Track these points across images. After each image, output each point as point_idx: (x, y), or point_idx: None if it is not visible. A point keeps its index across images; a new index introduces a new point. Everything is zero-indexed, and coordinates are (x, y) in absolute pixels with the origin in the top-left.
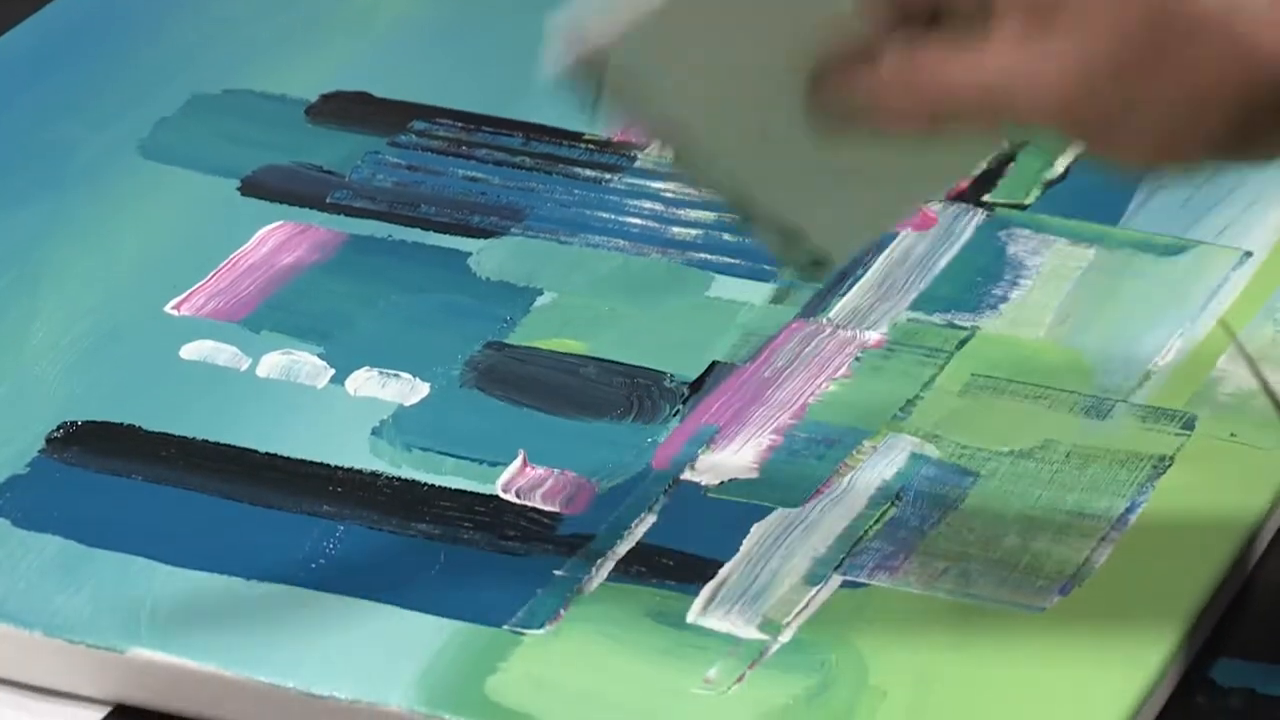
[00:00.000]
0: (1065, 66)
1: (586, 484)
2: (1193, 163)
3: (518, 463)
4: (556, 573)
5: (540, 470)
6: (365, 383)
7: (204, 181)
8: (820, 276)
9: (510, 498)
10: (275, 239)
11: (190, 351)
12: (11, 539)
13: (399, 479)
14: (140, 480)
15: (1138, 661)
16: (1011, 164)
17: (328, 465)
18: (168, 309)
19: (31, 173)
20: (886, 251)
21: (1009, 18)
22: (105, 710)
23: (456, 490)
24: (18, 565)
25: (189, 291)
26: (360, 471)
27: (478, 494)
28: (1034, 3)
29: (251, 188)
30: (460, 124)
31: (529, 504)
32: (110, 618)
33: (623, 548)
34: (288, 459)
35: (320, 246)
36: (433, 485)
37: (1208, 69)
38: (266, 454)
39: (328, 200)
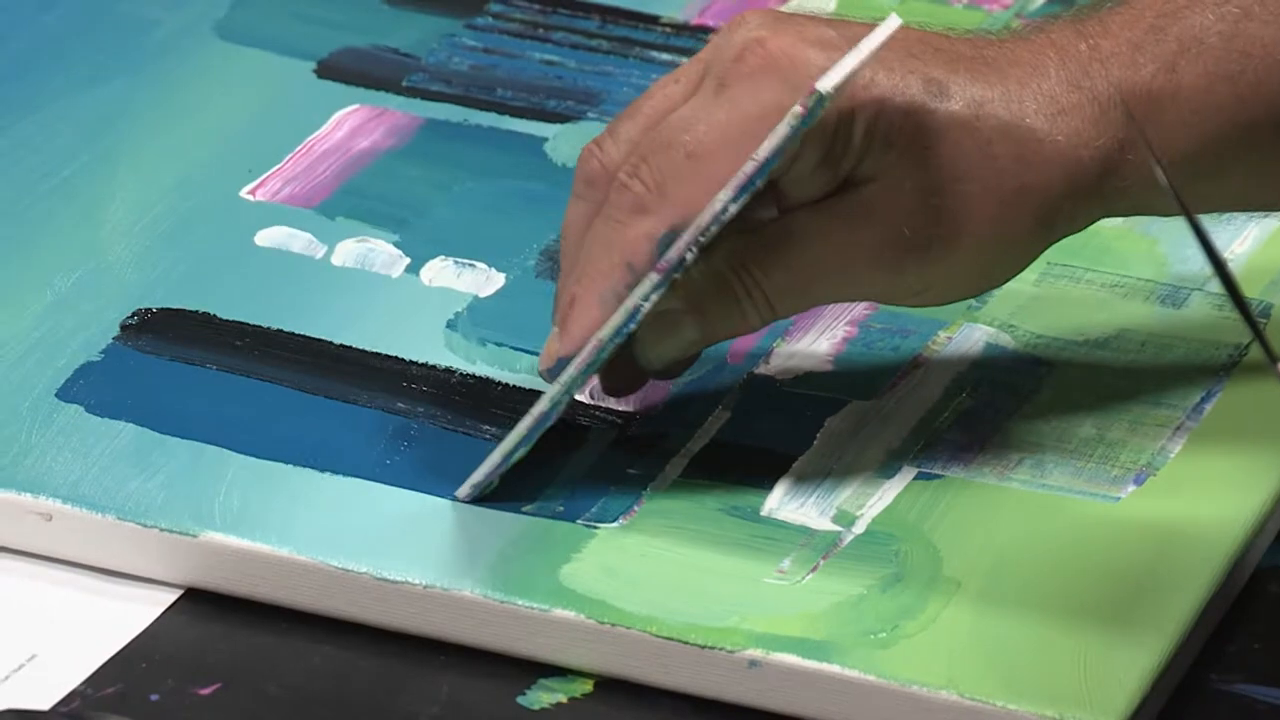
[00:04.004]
0: (878, 244)
1: (660, 383)
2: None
3: None
4: (630, 470)
5: None
6: (440, 272)
7: (280, 63)
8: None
9: (583, 398)
10: (351, 123)
11: (265, 238)
12: (85, 426)
13: (472, 377)
14: (214, 370)
15: (1211, 551)
16: None
17: (401, 360)
18: (243, 194)
19: (107, 50)
20: None
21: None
22: (177, 594)
23: (530, 390)
24: (91, 451)
25: (264, 176)
26: (434, 368)
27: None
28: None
29: (327, 70)
30: (537, 6)
31: (603, 404)
32: (183, 503)
33: (696, 444)
34: (362, 351)
35: (396, 131)
36: (506, 385)
37: (1005, 181)
38: (340, 345)
39: (403, 83)
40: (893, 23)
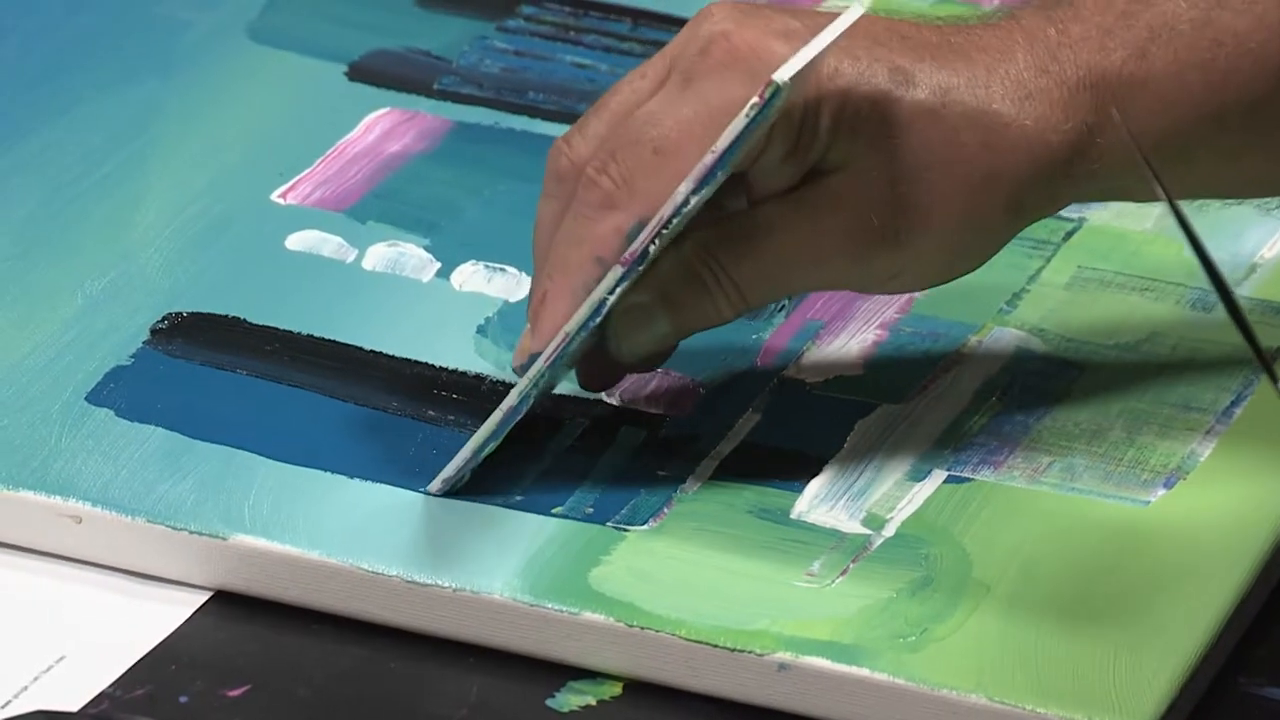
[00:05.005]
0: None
1: (690, 385)
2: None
3: None
4: (660, 472)
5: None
6: (471, 276)
7: (311, 65)
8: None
9: (614, 401)
10: (382, 126)
11: (296, 242)
12: (115, 429)
13: (503, 383)
14: (244, 374)
15: (1239, 555)
16: None
17: (432, 366)
18: (274, 197)
19: (139, 52)
20: None
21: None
22: (206, 596)
23: (560, 395)
24: (120, 455)
25: (295, 180)
26: (465, 374)
27: (581, 399)
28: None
29: (358, 73)
30: (568, 9)
31: (633, 406)
32: (213, 506)
33: (727, 446)
34: (391, 357)
35: (427, 134)
36: None
37: (973, 167)
38: (370, 351)
39: (435, 86)
40: (854, 12)
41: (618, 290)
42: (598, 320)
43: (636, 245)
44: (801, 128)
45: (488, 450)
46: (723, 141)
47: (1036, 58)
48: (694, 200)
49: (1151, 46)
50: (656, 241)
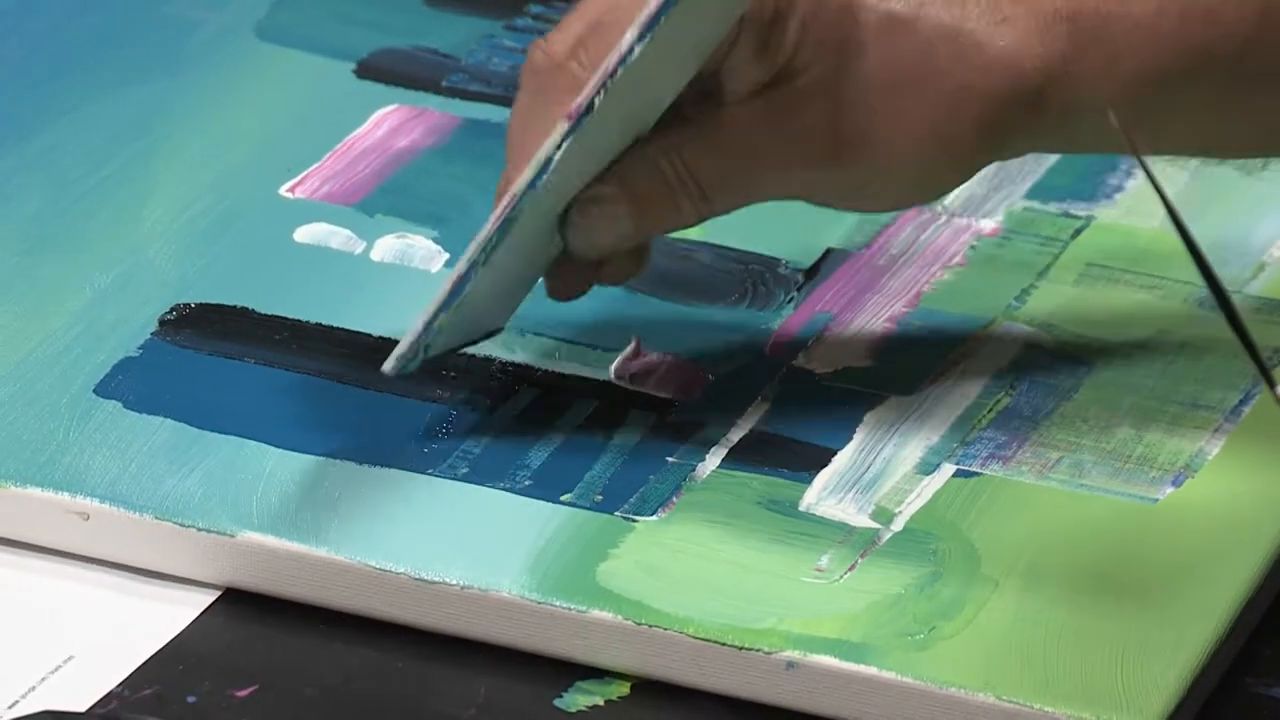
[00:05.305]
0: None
1: (699, 371)
2: (957, 174)
3: (631, 349)
4: (669, 460)
5: (653, 357)
6: None
7: (319, 64)
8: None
9: (624, 384)
10: (390, 122)
11: (304, 235)
12: (123, 422)
13: (512, 364)
14: (252, 363)
15: (1247, 554)
16: None
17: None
18: (282, 191)
19: (148, 50)
20: None
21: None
22: (215, 594)
23: (568, 375)
24: (128, 448)
25: (303, 174)
26: (473, 356)
27: (590, 380)
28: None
29: (367, 70)
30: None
31: (641, 390)
32: (221, 501)
33: (735, 435)
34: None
35: (435, 130)
36: (546, 370)
37: (945, 81)
38: (379, 337)
39: (443, 84)
40: None
41: (564, 145)
42: (544, 177)
43: (582, 99)
44: (771, 27)
45: (439, 322)
46: None
47: None
48: (638, 49)
49: None
50: (602, 93)
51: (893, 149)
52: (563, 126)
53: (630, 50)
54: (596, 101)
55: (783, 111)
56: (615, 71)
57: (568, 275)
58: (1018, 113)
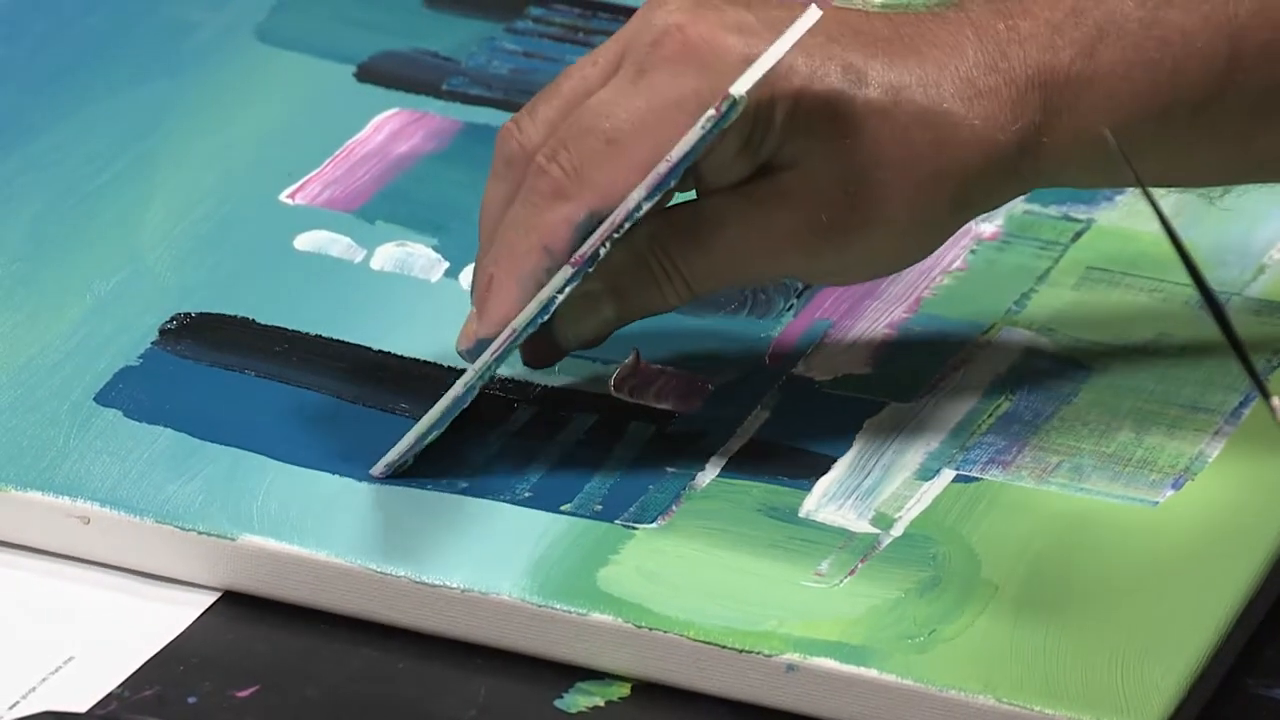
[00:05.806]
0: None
1: (700, 382)
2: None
3: (630, 361)
4: (669, 469)
5: (653, 368)
6: None
7: (319, 66)
8: None
9: (623, 396)
10: (390, 126)
11: (304, 242)
12: (123, 430)
13: (511, 380)
14: (252, 375)
15: (1248, 556)
16: None
17: (440, 366)
18: (282, 198)
19: (147, 53)
20: None
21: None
22: (215, 595)
23: (569, 390)
24: (129, 456)
25: (304, 180)
26: None
27: (591, 394)
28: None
29: (367, 73)
30: (577, 10)
31: (642, 402)
32: (221, 506)
33: (735, 444)
34: (400, 358)
35: (435, 135)
36: (546, 386)
37: (922, 166)
38: (379, 351)
39: (443, 87)
40: (812, 14)
41: (566, 290)
42: (545, 318)
43: (587, 248)
44: (755, 125)
45: (431, 438)
46: (678, 151)
47: (986, 54)
48: (646, 206)
49: (1100, 45)
50: (607, 245)
51: (873, 235)
52: (567, 271)
53: (638, 207)
54: (601, 252)
55: (767, 205)
56: (621, 226)
57: (540, 349)
58: (993, 182)
